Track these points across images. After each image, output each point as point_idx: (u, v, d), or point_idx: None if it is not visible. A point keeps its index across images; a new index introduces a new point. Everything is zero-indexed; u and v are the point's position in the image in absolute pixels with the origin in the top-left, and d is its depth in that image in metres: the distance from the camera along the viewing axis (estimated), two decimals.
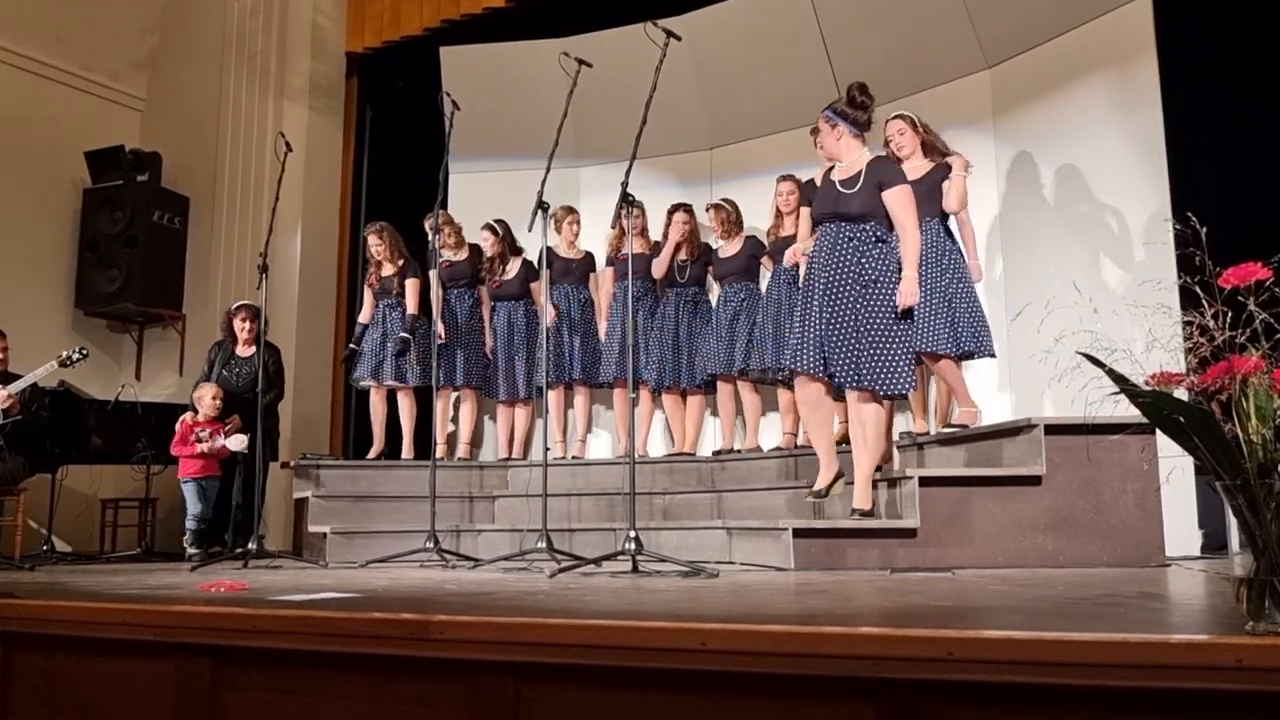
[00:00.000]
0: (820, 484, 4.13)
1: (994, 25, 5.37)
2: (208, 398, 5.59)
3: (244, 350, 5.99)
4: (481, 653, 1.87)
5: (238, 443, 5.47)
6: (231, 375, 5.89)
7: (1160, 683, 1.45)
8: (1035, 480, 3.77)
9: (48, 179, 7.21)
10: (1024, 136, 5.30)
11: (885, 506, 4.29)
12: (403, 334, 6.05)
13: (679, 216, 5.96)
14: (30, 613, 2.40)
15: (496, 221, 6.24)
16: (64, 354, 5.43)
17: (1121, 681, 1.47)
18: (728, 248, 5.83)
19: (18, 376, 5.40)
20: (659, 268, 5.92)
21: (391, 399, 6.16)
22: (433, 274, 5.79)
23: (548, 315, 5.14)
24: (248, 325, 5.95)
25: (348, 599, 2.56)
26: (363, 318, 6.27)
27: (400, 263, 6.18)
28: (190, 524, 5.42)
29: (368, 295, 6.28)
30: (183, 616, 2.20)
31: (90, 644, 2.31)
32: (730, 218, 5.80)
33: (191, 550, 5.34)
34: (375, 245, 6.19)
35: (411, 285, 6.13)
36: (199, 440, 5.49)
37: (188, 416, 5.58)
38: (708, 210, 5.93)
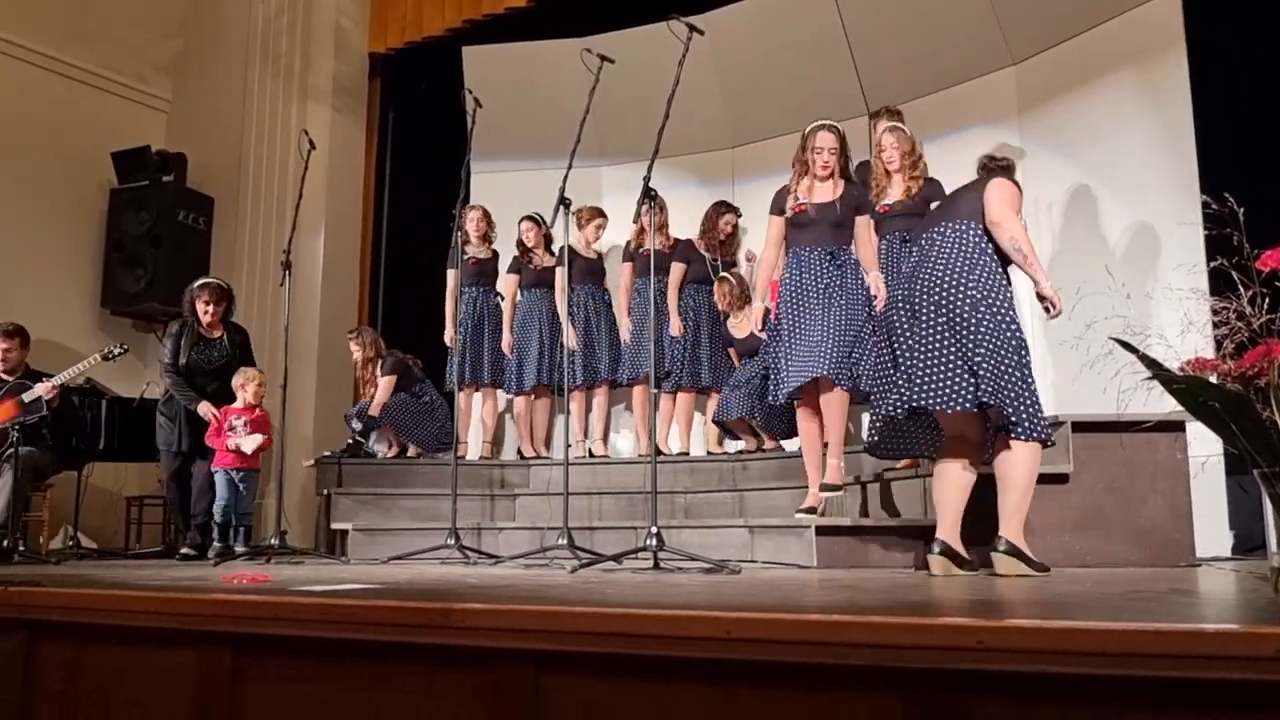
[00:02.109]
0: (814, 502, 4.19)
1: (1019, 22, 5.32)
2: (253, 385, 5.30)
3: (210, 332, 5.59)
4: (503, 641, 1.85)
5: (251, 444, 5.23)
6: (203, 358, 5.49)
7: (1197, 673, 1.42)
8: (1063, 478, 3.72)
9: (75, 179, 7.28)
10: (1050, 133, 5.25)
11: (911, 505, 4.25)
12: (355, 427, 6.14)
13: (730, 218, 6.01)
14: (54, 600, 2.41)
15: (537, 214, 6.22)
16: (106, 349, 5.61)
17: (1157, 672, 1.44)
18: (740, 326, 5.73)
19: (42, 374, 5.45)
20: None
21: None
22: (451, 273, 5.76)
23: (562, 316, 5.13)
24: (211, 309, 5.51)
25: (369, 590, 2.55)
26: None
27: (379, 360, 6.21)
28: (216, 516, 5.20)
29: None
30: (204, 604, 2.20)
31: (112, 632, 2.31)
32: (734, 291, 5.74)
33: (216, 542, 5.14)
34: (355, 351, 6.34)
35: (385, 382, 6.06)
36: (231, 429, 5.24)
37: (205, 410, 5.30)
38: (717, 282, 5.82)
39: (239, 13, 7.79)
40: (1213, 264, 1.58)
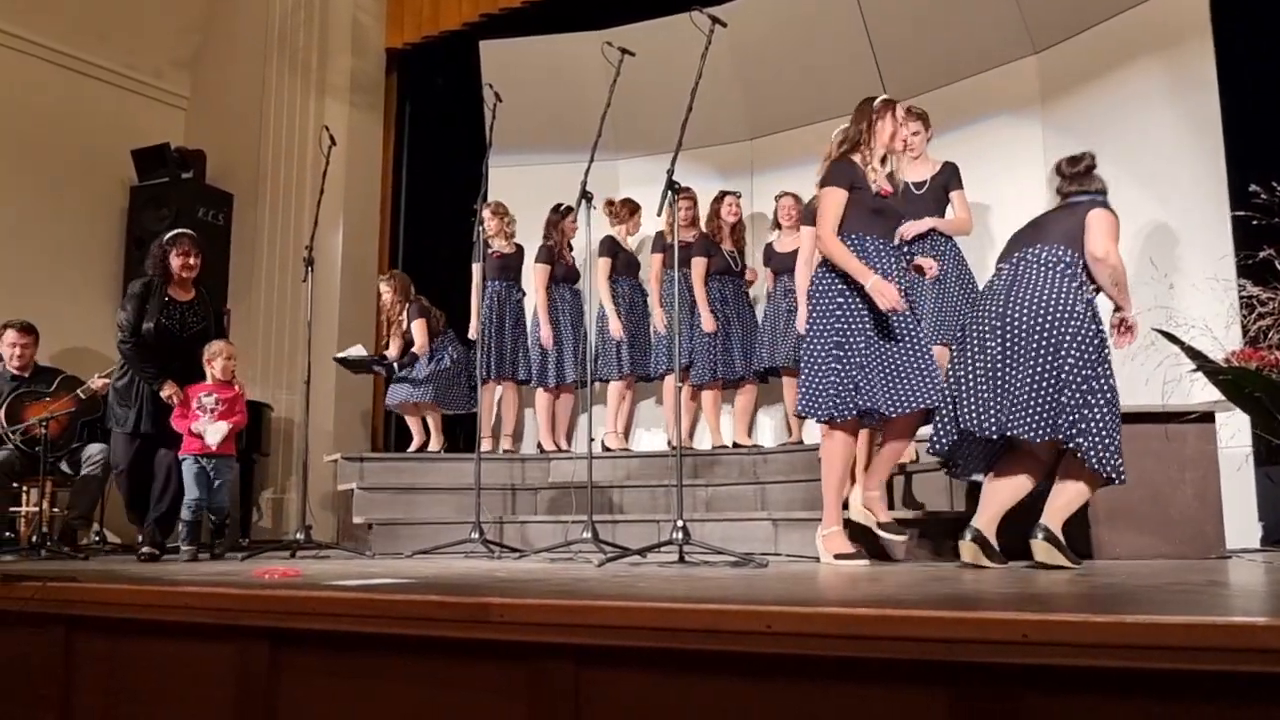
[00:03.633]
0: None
1: (1042, 9, 5.28)
2: (220, 359, 4.64)
3: (181, 293, 4.75)
4: (542, 635, 1.86)
5: (215, 434, 4.52)
6: (174, 323, 4.68)
7: (1248, 667, 1.41)
8: None
9: (96, 177, 7.31)
10: (1073, 123, 5.20)
11: (935, 496, 4.23)
12: (395, 362, 6.12)
13: (730, 200, 5.94)
14: (91, 596, 2.42)
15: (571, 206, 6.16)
16: None
17: (1207, 665, 1.43)
18: (786, 241, 5.68)
19: (54, 370, 5.48)
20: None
21: None
22: (476, 267, 5.75)
23: (608, 306, 5.17)
24: (191, 262, 4.72)
25: (401, 584, 2.55)
26: (390, 354, 6.28)
27: (408, 305, 6.20)
28: (185, 513, 4.53)
29: (394, 343, 6.29)
30: (241, 599, 2.21)
31: (150, 626, 2.32)
32: (798, 208, 5.68)
33: (184, 545, 4.49)
34: (385, 292, 6.30)
35: (418, 325, 6.10)
36: (201, 409, 4.56)
37: (169, 391, 4.54)
38: (777, 199, 5.80)
39: (255, 9, 7.80)
40: (1262, 253, 1.56)
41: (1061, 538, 3.19)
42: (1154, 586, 2.30)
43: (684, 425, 5.85)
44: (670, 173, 3.85)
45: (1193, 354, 1.63)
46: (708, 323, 5.79)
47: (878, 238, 3.59)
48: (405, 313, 6.20)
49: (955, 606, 1.76)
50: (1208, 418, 3.59)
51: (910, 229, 4.34)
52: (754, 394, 6.01)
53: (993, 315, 3.31)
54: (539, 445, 6.21)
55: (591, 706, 1.84)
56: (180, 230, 4.89)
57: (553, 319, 6.04)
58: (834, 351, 3.50)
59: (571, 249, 6.16)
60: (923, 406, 3.47)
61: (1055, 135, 5.29)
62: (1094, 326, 3.21)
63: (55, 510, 5.37)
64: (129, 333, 4.56)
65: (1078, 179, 3.49)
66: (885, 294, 3.40)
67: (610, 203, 6.12)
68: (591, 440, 4.67)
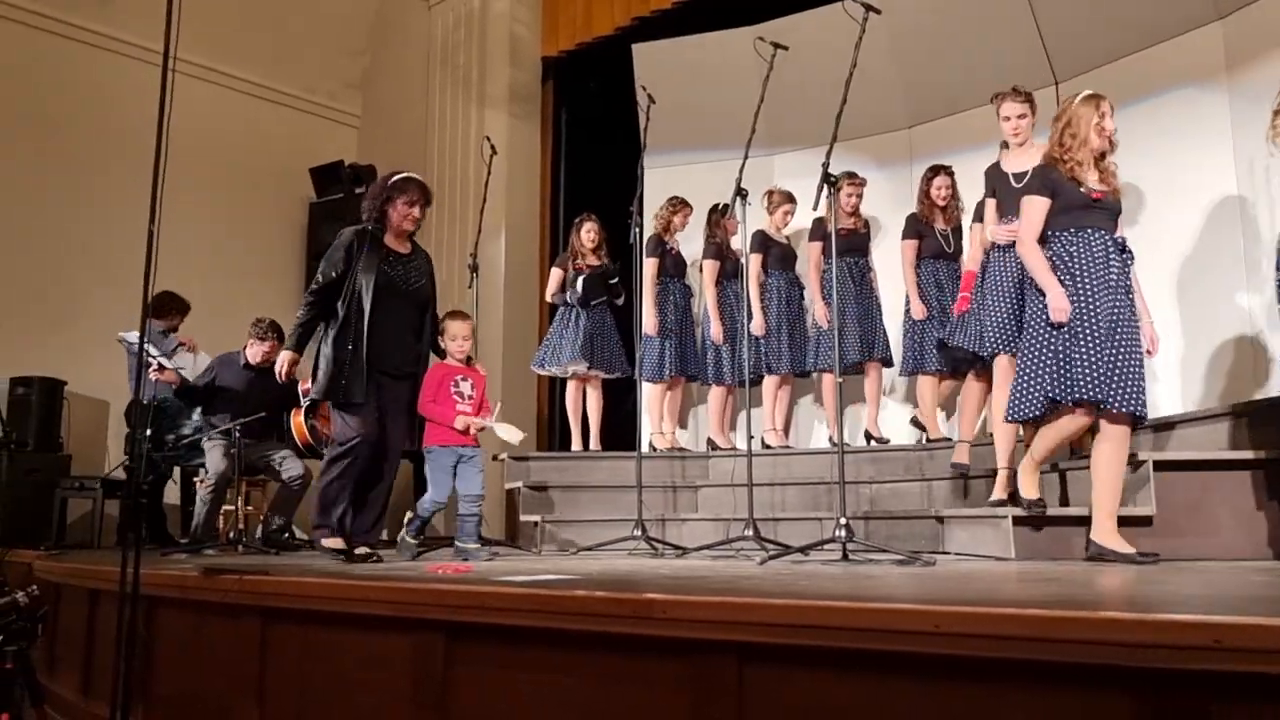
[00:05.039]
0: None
1: None
2: (460, 336, 4.19)
3: (398, 245, 4.11)
4: (706, 632, 1.87)
5: (511, 434, 4.16)
6: (397, 276, 4.05)
7: None
8: None
9: (278, 196, 7.85)
10: (1265, 93, 4.80)
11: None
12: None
13: (941, 181, 5.49)
14: (282, 589, 2.59)
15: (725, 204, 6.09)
16: None
17: None
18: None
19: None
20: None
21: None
22: (650, 262, 5.74)
23: (755, 304, 5.09)
24: (416, 212, 4.08)
25: (568, 581, 2.62)
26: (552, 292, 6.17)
27: (606, 258, 6.15)
28: (424, 509, 4.21)
29: (555, 276, 6.14)
30: (418, 593, 2.32)
31: (335, 618, 2.47)
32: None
33: (410, 539, 4.22)
34: (592, 233, 6.05)
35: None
36: (459, 395, 4.13)
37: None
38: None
39: (420, 29, 8.18)
40: None
41: None
42: None
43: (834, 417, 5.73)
44: (825, 165, 3.80)
45: None
46: (917, 309, 5.43)
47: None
48: (606, 262, 6.09)
49: (1138, 608, 1.67)
50: None
51: (1000, 232, 4.04)
52: (935, 386, 5.73)
53: None
54: (709, 442, 6.22)
55: (755, 703, 1.84)
56: (410, 175, 4.18)
57: (724, 315, 6.04)
58: None
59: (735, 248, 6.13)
60: None
61: (1245, 106, 4.92)
62: None
63: (249, 509, 5.76)
64: (319, 286, 4.01)
65: None
66: None
67: (770, 193, 6.08)
68: (751, 438, 4.66)
